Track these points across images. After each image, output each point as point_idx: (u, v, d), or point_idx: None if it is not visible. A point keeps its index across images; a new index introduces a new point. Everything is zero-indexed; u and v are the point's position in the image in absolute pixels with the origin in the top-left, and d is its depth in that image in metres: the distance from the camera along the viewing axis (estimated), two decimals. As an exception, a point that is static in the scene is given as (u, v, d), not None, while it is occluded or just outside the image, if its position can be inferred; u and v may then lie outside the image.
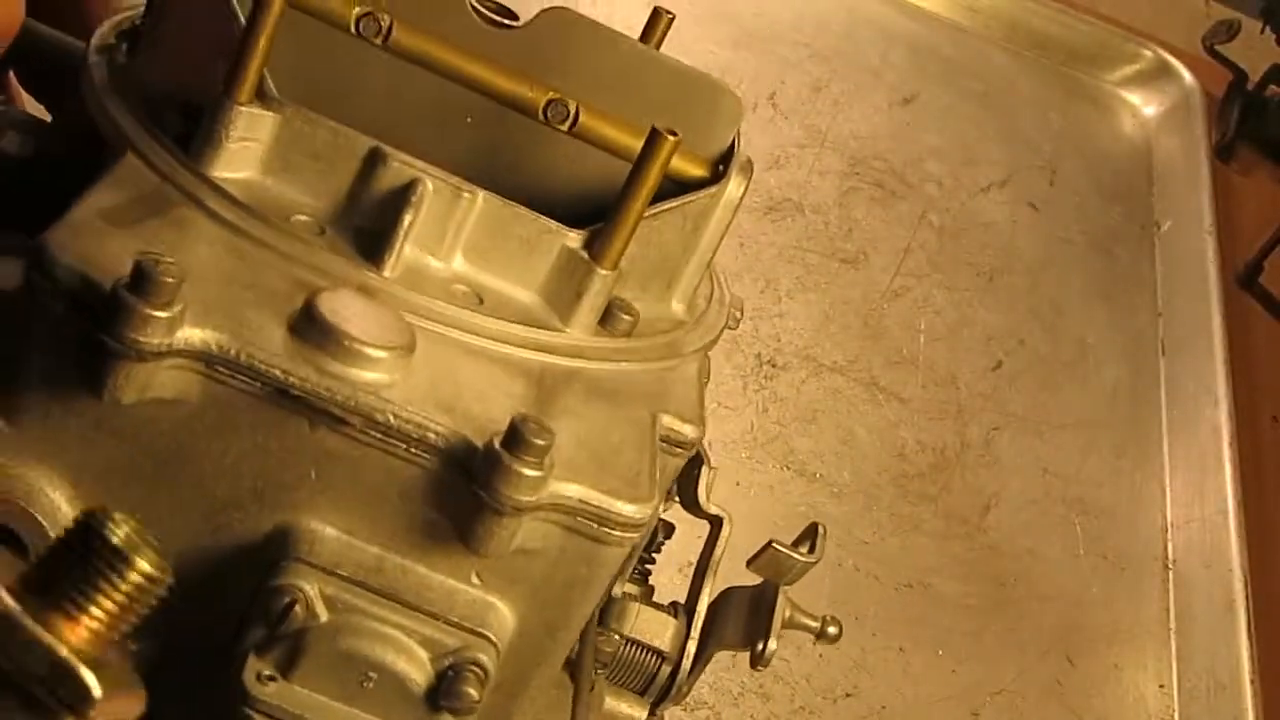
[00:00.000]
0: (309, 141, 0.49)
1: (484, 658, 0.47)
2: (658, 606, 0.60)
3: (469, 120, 0.53)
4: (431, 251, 0.49)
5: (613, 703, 0.60)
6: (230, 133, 0.48)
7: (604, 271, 0.50)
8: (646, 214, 0.50)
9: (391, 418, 0.45)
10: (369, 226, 0.49)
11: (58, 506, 0.45)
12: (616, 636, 0.58)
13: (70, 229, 0.44)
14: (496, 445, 0.44)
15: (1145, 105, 1.58)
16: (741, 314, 0.61)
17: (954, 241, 1.29)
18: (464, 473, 0.45)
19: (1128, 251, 1.38)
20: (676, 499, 0.62)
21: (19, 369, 0.44)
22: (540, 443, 0.43)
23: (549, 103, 0.53)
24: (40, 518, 0.45)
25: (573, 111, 0.53)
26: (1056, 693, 0.97)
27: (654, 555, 0.62)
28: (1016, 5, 1.58)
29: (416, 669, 0.46)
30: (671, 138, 0.47)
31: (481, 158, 0.53)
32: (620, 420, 0.49)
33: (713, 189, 0.53)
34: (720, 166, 0.54)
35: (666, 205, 0.52)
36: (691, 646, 0.59)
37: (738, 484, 0.99)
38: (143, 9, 0.54)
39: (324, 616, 0.46)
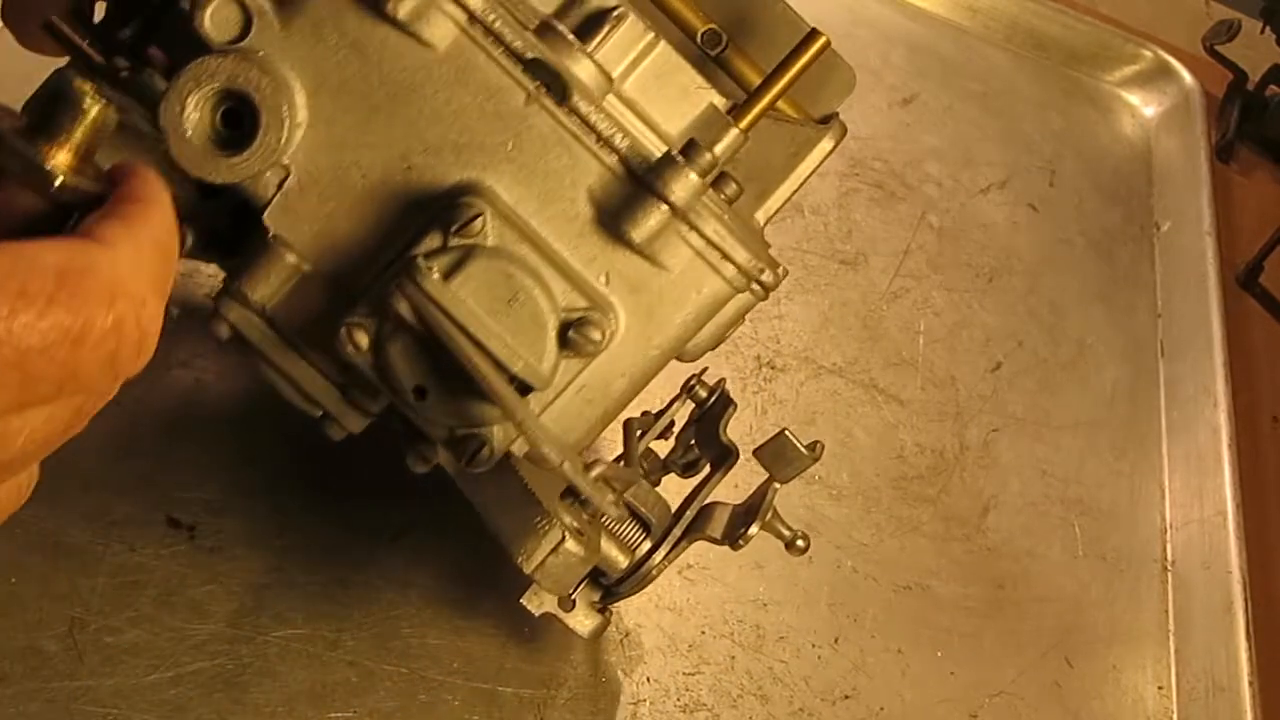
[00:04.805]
0: None
1: (606, 326, 0.56)
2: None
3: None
4: (613, 68, 0.58)
5: (606, 544, 0.68)
6: None
7: (736, 130, 0.58)
8: (771, 115, 0.60)
9: (594, 110, 0.54)
10: (575, 30, 0.57)
11: (297, 105, 0.54)
12: (634, 476, 0.67)
13: None
14: (675, 153, 0.53)
15: (1145, 105, 1.58)
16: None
17: (953, 243, 1.29)
18: (637, 175, 0.54)
19: (1127, 252, 1.38)
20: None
21: None
22: (709, 157, 0.52)
23: (707, 30, 0.64)
24: (284, 105, 0.53)
25: (724, 42, 0.64)
26: (1055, 694, 0.97)
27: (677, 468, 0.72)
28: (1016, 5, 1.58)
29: (551, 309, 0.55)
30: (822, 38, 0.58)
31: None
32: (740, 226, 0.58)
33: (821, 128, 0.63)
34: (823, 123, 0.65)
35: (786, 116, 0.62)
36: (677, 531, 0.68)
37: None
38: None
39: (493, 240, 0.54)
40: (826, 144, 0.63)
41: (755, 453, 0.67)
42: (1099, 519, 1.11)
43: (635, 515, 0.67)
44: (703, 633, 0.89)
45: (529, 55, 0.53)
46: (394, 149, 0.55)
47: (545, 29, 0.55)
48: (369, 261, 0.56)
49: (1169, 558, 1.11)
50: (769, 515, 0.67)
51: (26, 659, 0.71)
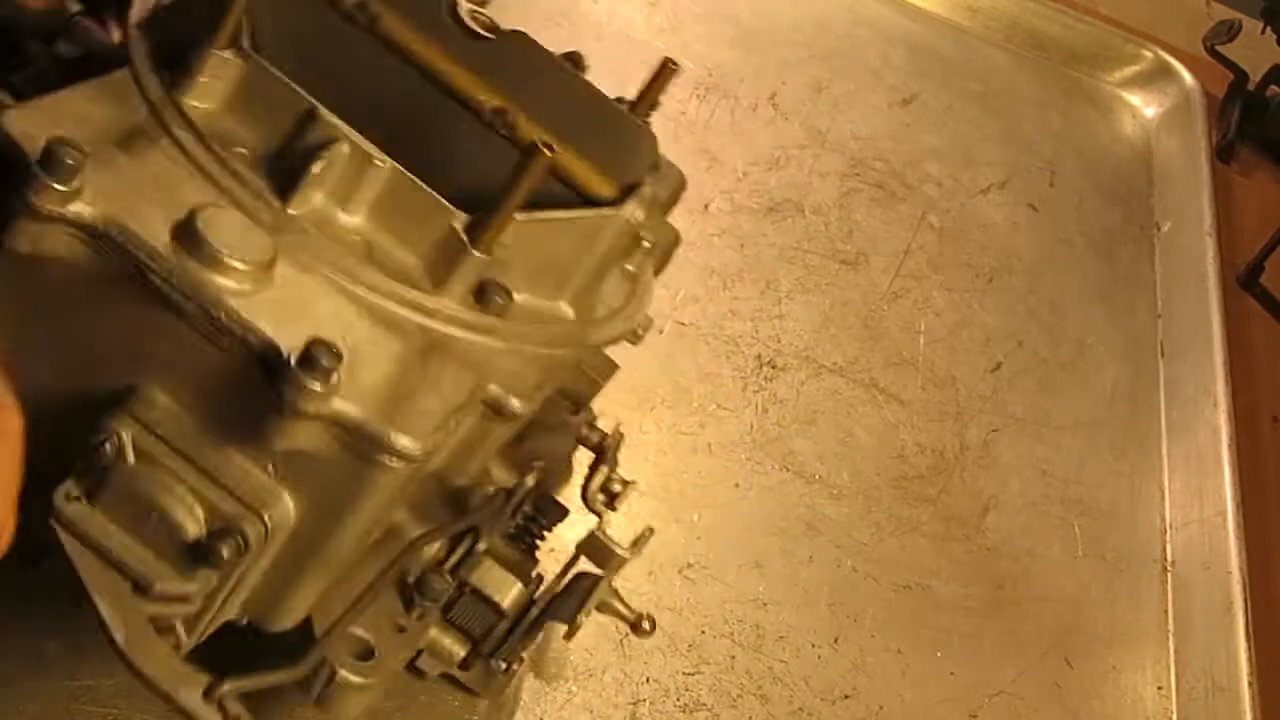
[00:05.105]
0: (262, 90, 0.57)
1: (251, 531, 0.54)
2: (517, 572, 0.66)
3: (421, 104, 0.61)
4: (340, 204, 0.57)
5: (437, 634, 0.66)
6: (203, 70, 0.57)
7: (477, 254, 0.57)
8: (538, 218, 0.57)
9: (224, 316, 0.52)
10: (291, 171, 0.56)
11: None
12: (449, 577, 0.64)
13: (31, 109, 0.53)
14: (292, 359, 0.51)
15: (1145, 106, 1.58)
16: (645, 332, 0.67)
17: (954, 243, 1.29)
18: (268, 376, 0.52)
19: (1127, 252, 1.38)
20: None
21: None
22: (326, 364, 0.51)
23: (496, 109, 0.60)
24: None
25: (513, 121, 0.60)
26: (1055, 694, 0.97)
27: (542, 533, 0.68)
28: (1016, 5, 1.58)
29: (191, 523, 0.54)
30: (547, 155, 0.55)
31: (416, 137, 0.61)
32: (444, 375, 0.56)
33: (607, 210, 0.61)
34: (626, 195, 0.62)
35: (556, 214, 0.59)
36: (534, 611, 0.66)
37: (737, 485, 0.99)
38: None
39: (130, 461, 0.54)
40: (632, 216, 0.61)
41: (577, 546, 0.66)
42: (1099, 519, 1.11)
43: (483, 600, 0.66)
44: (703, 633, 0.89)
45: (152, 268, 0.51)
46: (59, 362, 0.55)
47: (183, 227, 0.52)
48: (54, 480, 0.56)
49: (1169, 558, 1.11)
50: (594, 605, 0.65)
51: (26, 659, 0.71)
